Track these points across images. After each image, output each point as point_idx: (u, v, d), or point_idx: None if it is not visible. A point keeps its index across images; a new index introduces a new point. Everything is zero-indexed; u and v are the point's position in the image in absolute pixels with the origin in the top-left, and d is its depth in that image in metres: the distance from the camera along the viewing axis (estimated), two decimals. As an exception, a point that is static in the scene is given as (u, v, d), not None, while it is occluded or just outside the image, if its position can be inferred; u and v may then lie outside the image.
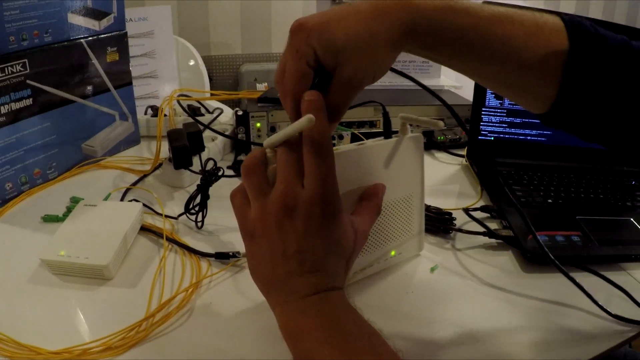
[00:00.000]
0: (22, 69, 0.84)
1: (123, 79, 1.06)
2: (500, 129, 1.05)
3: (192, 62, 1.54)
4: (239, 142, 1.04)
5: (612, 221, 0.84)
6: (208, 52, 2.11)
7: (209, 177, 0.80)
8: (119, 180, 0.95)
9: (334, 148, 0.53)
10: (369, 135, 1.04)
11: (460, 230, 0.79)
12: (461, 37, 0.50)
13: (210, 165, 0.84)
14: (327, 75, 0.51)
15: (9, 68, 0.82)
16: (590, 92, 0.51)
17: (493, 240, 0.77)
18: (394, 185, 0.65)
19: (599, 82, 0.51)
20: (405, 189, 0.68)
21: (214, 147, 1.02)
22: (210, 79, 1.67)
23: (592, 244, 0.76)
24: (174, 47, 1.36)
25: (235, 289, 0.66)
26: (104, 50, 0.99)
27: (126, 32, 1.03)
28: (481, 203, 0.89)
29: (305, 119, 0.46)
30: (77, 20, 0.93)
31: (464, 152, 1.08)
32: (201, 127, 0.97)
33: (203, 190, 0.79)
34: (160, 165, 0.98)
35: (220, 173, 0.81)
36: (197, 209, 0.79)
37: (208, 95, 1.30)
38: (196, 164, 0.91)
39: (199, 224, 0.79)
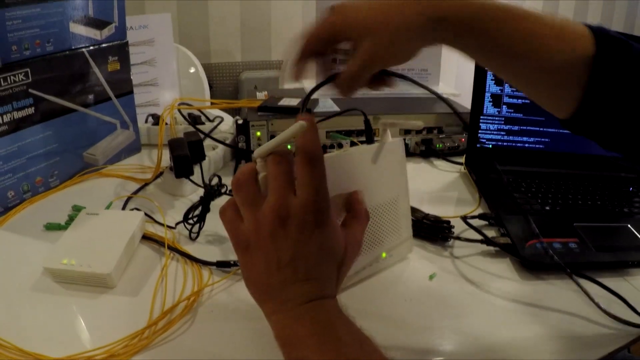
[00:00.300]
0: (24, 78, 0.85)
1: (124, 88, 1.06)
2: (499, 137, 1.06)
3: (192, 70, 1.55)
4: (240, 151, 1.04)
5: (610, 228, 0.85)
6: (208, 59, 2.12)
7: (213, 192, 0.82)
8: (120, 189, 0.96)
9: None
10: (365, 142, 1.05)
11: (458, 238, 0.80)
12: (492, 29, 0.51)
13: (215, 181, 0.85)
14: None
15: (12, 77, 0.83)
16: (615, 99, 0.52)
17: (491, 248, 0.78)
18: (379, 188, 0.67)
19: (624, 89, 0.51)
20: (391, 192, 0.70)
21: (215, 155, 1.03)
22: (211, 87, 1.68)
23: (590, 250, 0.76)
24: (174, 55, 1.37)
25: (236, 297, 0.67)
26: (105, 60, 1.00)
27: (127, 42, 1.04)
28: (479, 211, 0.90)
29: (298, 125, 0.47)
30: (79, 29, 0.94)
31: (462, 159, 1.08)
32: (202, 136, 0.98)
33: (205, 203, 0.80)
34: (161, 173, 0.98)
35: (223, 190, 0.82)
36: (195, 219, 0.80)
37: (208, 104, 1.31)
38: (197, 173, 0.92)
39: (194, 235, 0.80)
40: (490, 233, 0.81)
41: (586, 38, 0.52)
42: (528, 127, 1.05)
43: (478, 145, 1.06)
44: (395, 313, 0.65)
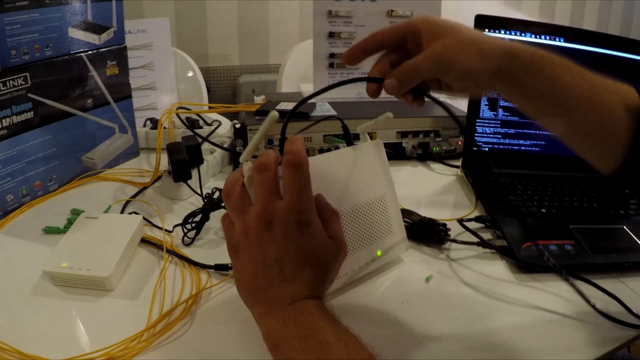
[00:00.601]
0: (23, 83, 0.85)
1: (122, 92, 1.07)
2: (495, 140, 1.07)
3: (190, 74, 1.55)
4: (238, 155, 1.05)
5: (605, 230, 0.85)
6: (206, 63, 2.13)
7: (213, 203, 0.83)
8: (118, 193, 0.96)
9: None
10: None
11: (454, 240, 0.80)
12: (558, 74, 0.55)
13: (217, 194, 0.86)
14: None
15: (11, 81, 0.83)
16: None
17: (487, 250, 0.79)
18: (363, 187, 0.69)
19: None
20: (377, 190, 0.71)
21: (213, 159, 1.03)
22: (209, 90, 1.69)
23: (586, 252, 0.77)
24: (172, 59, 1.37)
25: (234, 299, 0.67)
26: (103, 64, 1.01)
27: (126, 46, 1.05)
28: (476, 213, 0.90)
29: (269, 117, 0.51)
30: (78, 34, 0.95)
31: (459, 162, 1.09)
32: (200, 140, 0.98)
33: (205, 212, 0.82)
34: (159, 177, 0.99)
35: (223, 204, 0.83)
36: (193, 225, 0.80)
37: (206, 108, 1.31)
38: (195, 177, 0.92)
39: (187, 240, 0.80)
40: (487, 235, 0.82)
41: (632, 92, 0.55)
42: (524, 130, 1.05)
43: (474, 149, 1.07)
44: (392, 315, 0.66)
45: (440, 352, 0.60)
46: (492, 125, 1.06)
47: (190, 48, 1.86)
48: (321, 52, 1.26)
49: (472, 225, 0.83)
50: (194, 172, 0.93)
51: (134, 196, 0.94)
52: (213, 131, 1.12)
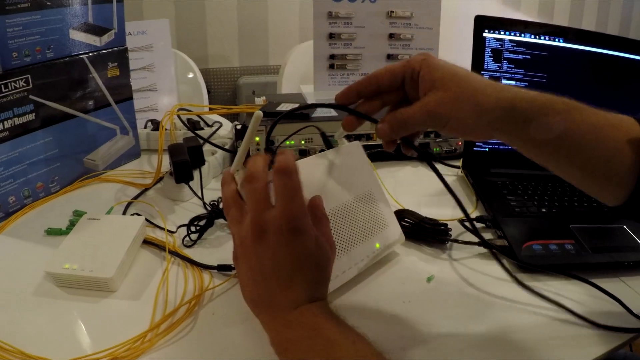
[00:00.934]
0: (24, 85, 0.86)
1: (124, 94, 1.07)
2: (495, 140, 1.07)
3: (190, 75, 1.55)
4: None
5: (605, 229, 0.85)
6: (206, 64, 2.13)
7: (219, 211, 0.85)
8: (120, 194, 0.97)
9: None
10: (366, 148, 1.06)
11: (455, 240, 0.81)
12: (558, 121, 0.55)
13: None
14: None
15: (12, 83, 0.84)
16: None
17: (488, 250, 0.79)
18: (349, 186, 0.71)
19: None
20: (363, 188, 0.74)
21: (214, 160, 1.04)
22: (209, 92, 1.69)
23: (586, 251, 0.77)
24: (172, 61, 1.38)
25: (237, 299, 0.67)
26: (104, 66, 1.01)
27: (127, 48, 1.05)
28: (477, 213, 0.90)
29: (254, 117, 0.53)
30: (79, 36, 0.95)
31: (459, 163, 1.09)
32: (201, 141, 0.99)
33: (210, 219, 0.83)
34: (161, 179, 0.99)
35: None
36: (197, 228, 0.81)
37: (207, 109, 1.32)
38: (196, 178, 0.93)
39: (188, 242, 0.80)
40: (487, 235, 0.82)
41: (633, 123, 0.55)
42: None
43: (475, 149, 1.07)
44: (394, 315, 0.66)
45: (441, 350, 0.60)
46: (492, 125, 1.06)
47: (190, 49, 1.86)
48: (321, 53, 1.26)
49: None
50: (196, 173, 0.93)
51: (136, 197, 0.94)
52: (214, 132, 1.12)
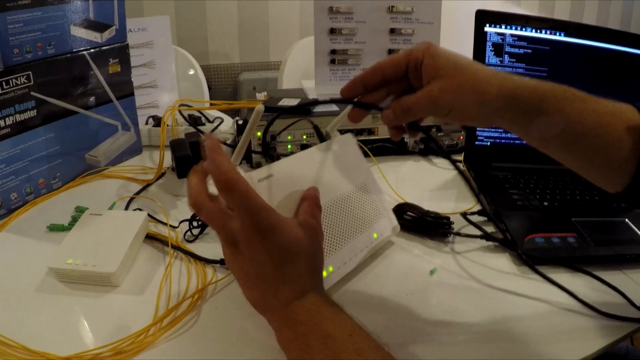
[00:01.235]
0: (26, 81, 0.86)
1: (125, 90, 1.07)
2: (497, 134, 1.07)
3: (191, 72, 1.55)
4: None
5: (608, 222, 0.85)
6: (207, 61, 2.13)
7: None
8: (122, 190, 0.97)
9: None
10: (368, 142, 1.06)
11: (458, 234, 0.81)
12: (560, 109, 0.55)
13: None
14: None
15: (14, 80, 0.84)
16: None
17: (490, 243, 0.79)
18: (343, 177, 0.72)
19: None
20: (357, 179, 0.74)
21: (216, 155, 1.03)
22: (210, 88, 1.69)
23: (588, 244, 0.77)
24: (173, 57, 1.38)
25: (240, 293, 0.67)
26: (106, 62, 1.01)
27: (128, 44, 1.05)
28: (478, 207, 0.90)
29: (255, 111, 0.54)
30: (80, 32, 0.95)
31: (461, 157, 1.09)
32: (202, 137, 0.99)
33: None
34: (163, 174, 0.99)
35: None
36: (199, 223, 0.81)
37: (209, 105, 1.32)
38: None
39: (189, 236, 0.80)
40: (490, 229, 0.82)
41: (632, 111, 0.56)
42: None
43: (476, 143, 1.07)
44: (397, 307, 0.66)
45: (444, 342, 0.60)
46: (494, 119, 1.06)
47: (190, 46, 1.86)
48: (322, 48, 1.26)
49: (475, 218, 0.83)
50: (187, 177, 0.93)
51: (138, 193, 0.94)
52: (216, 128, 1.13)
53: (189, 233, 0.80)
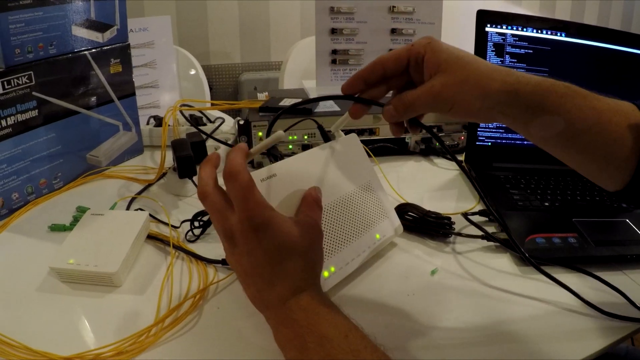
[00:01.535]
0: (27, 81, 0.86)
1: (126, 90, 1.07)
2: (497, 134, 1.07)
3: (192, 72, 1.55)
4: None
5: (608, 222, 0.85)
6: (207, 61, 2.14)
7: None
8: (124, 190, 0.97)
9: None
10: (369, 142, 1.06)
11: (459, 234, 0.81)
12: (561, 105, 0.55)
13: None
14: None
15: (15, 80, 0.84)
16: None
17: (491, 243, 0.79)
18: (348, 177, 0.72)
19: None
20: (361, 179, 0.74)
21: (217, 155, 1.04)
22: (210, 88, 1.70)
23: (589, 245, 0.77)
24: (174, 57, 1.38)
25: (242, 293, 0.67)
26: (107, 62, 1.01)
27: (129, 44, 1.05)
28: (479, 207, 0.91)
29: (275, 135, 0.56)
30: (81, 32, 0.95)
31: (462, 157, 1.09)
32: (204, 137, 0.99)
33: None
34: (164, 174, 0.99)
35: None
36: (200, 223, 0.81)
37: (210, 105, 1.32)
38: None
39: (190, 236, 0.81)
40: (491, 229, 0.82)
41: (633, 109, 0.56)
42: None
43: (477, 143, 1.07)
44: (398, 307, 0.66)
45: (445, 342, 0.61)
46: (495, 119, 1.06)
47: (191, 46, 1.86)
48: (324, 48, 1.27)
49: (476, 219, 0.83)
50: (198, 168, 0.93)
51: (139, 193, 0.94)
52: (217, 128, 1.13)
53: (190, 233, 0.80)
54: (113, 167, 1.07)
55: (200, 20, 2.08)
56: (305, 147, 1.04)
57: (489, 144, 1.07)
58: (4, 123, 0.83)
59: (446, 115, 0.59)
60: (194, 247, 0.77)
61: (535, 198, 0.90)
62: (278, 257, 0.52)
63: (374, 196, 0.75)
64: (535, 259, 0.74)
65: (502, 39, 1.02)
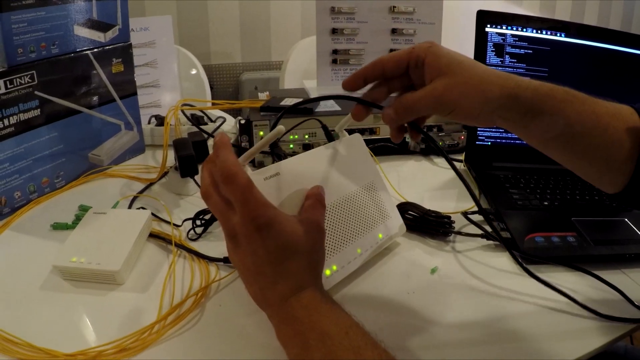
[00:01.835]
0: (30, 81, 0.86)
1: (128, 89, 1.08)
2: (497, 134, 1.07)
3: (193, 71, 1.56)
4: (243, 151, 1.06)
5: (607, 222, 0.86)
6: (208, 61, 2.14)
7: None
8: (125, 189, 0.97)
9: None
10: (369, 142, 1.07)
11: (459, 233, 0.81)
12: (560, 110, 0.55)
13: None
14: None
15: (18, 79, 0.84)
16: None
17: (491, 242, 0.79)
18: (351, 177, 0.72)
19: None
20: (365, 179, 0.75)
21: (218, 155, 1.04)
22: (211, 87, 1.70)
23: (588, 244, 0.78)
24: (175, 57, 1.38)
25: (244, 291, 0.67)
26: (109, 62, 1.02)
27: (131, 44, 1.06)
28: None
29: (275, 130, 0.55)
30: (83, 32, 0.96)
31: (462, 157, 1.10)
32: (205, 136, 0.99)
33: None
34: (166, 173, 1.00)
35: None
36: (202, 222, 0.82)
37: (211, 104, 1.32)
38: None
39: (192, 234, 0.81)
40: (490, 228, 0.82)
41: (632, 113, 0.56)
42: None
43: (477, 143, 1.08)
44: (399, 305, 0.67)
45: (445, 340, 0.61)
46: (495, 119, 1.07)
47: (192, 46, 1.87)
48: (324, 48, 1.27)
49: (476, 217, 0.84)
50: (201, 168, 0.93)
51: (141, 192, 0.95)
52: (218, 127, 1.13)
53: (192, 232, 0.81)
54: (115, 166, 1.07)
55: (201, 20, 2.09)
56: (307, 147, 1.04)
57: (489, 143, 1.08)
58: (6, 122, 0.84)
59: (445, 117, 0.59)
60: (195, 246, 0.78)
61: (535, 197, 0.91)
62: (281, 256, 0.52)
63: (376, 196, 0.75)
64: (532, 257, 0.74)
65: (502, 39, 1.03)
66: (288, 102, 1.10)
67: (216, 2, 2.09)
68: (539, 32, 1.03)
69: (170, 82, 1.35)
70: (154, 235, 0.80)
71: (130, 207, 0.90)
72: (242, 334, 0.61)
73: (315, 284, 0.54)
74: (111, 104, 1.05)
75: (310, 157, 0.68)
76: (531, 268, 0.73)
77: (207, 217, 0.82)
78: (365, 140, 1.06)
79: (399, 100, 0.60)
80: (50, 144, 0.93)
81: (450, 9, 1.40)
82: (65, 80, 0.94)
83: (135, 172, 1.04)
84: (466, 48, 1.08)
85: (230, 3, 2.11)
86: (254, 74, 2.16)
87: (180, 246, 0.77)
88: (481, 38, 1.03)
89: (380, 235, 0.74)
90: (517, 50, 1.03)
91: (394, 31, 1.29)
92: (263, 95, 1.22)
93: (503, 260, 0.76)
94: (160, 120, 1.19)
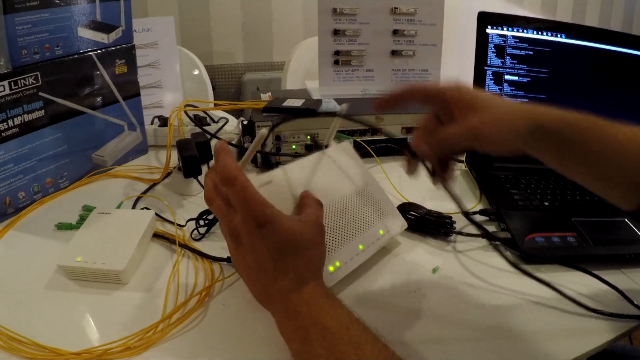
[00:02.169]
0: (34, 82, 0.87)
1: (131, 90, 1.08)
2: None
3: (196, 72, 1.56)
4: (246, 151, 1.06)
5: (607, 222, 0.86)
6: (210, 61, 2.14)
7: None
8: (129, 189, 0.98)
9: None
10: (371, 143, 1.07)
11: (460, 233, 0.82)
12: (582, 138, 0.57)
13: None
14: None
15: (22, 81, 0.85)
16: None
17: (492, 242, 0.80)
18: (344, 181, 0.75)
19: None
20: (358, 182, 0.77)
21: (221, 155, 1.04)
22: (214, 88, 1.70)
23: (588, 244, 0.78)
24: (177, 58, 1.39)
25: (247, 290, 0.68)
26: (112, 63, 1.02)
27: (134, 45, 1.06)
28: (480, 207, 0.91)
29: (259, 134, 0.57)
30: (87, 33, 0.96)
31: (463, 157, 1.10)
32: (208, 137, 1.00)
33: None
34: (169, 174, 1.00)
35: None
36: (205, 222, 0.82)
37: (213, 105, 1.33)
38: (204, 173, 0.94)
39: (196, 234, 0.82)
40: (491, 228, 0.83)
41: None
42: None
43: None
44: (400, 304, 0.67)
45: (446, 340, 0.62)
46: (496, 120, 1.07)
47: (194, 46, 1.87)
48: (326, 49, 1.28)
49: (477, 218, 0.84)
50: (204, 168, 0.94)
51: (145, 192, 0.95)
52: (221, 128, 1.14)
53: (195, 232, 0.81)
54: (118, 166, 1.08)
55: (203, 21, 2.09)
56: (309, 147, 1.05)
57: (490, 144, 1.08)
58: (10, 123, 0.84)
59: (476, 148, 0.61)
60: (199, 246, 0.79)
61: (535, 198, 0.91)
62: (281, 252, 0.54)
63: (371, 196, 0.77)
64: (534, 257, 0.75)
65: (503, 40, 1.03)
66: (291, 102, 1.11)
67: (218, 2, 2.10)
68: (540, 33, 1.03)
69: (172, 83, 1.36)
70: (157, 235, 0.80)
71: (134, 207, 0.90)
72: (246, 333, 0.62)
73: (317, 279, 0.56)
74: (114, 104, 1.05)
75: (301, 165, 0.71)
76: (531, 268, 0.74)
77: (211, 217, 0.83)
78: (366, 140, 1.08)
79: (431, 136, 0.62)
80: (54, 144, 0.94)
81: (452, 10, 1.40)
82: (69, 81, 0.94)
83: (138, 173, 1.05)
84: (467, 49, 1.08)
85: (232, 3, 2.12)
86: (256, 74, 2.17)
87: (184, 246, 0.77)
88: (482, 39, 1.03)
89: (381, 232, 0.75)
90: (518, 52, 1.04)
91: (395, 32, 1.30)
92: (265, 96, 1.23)
93: (503, 260, 0.77)
94: (163, 121, 1.20)
